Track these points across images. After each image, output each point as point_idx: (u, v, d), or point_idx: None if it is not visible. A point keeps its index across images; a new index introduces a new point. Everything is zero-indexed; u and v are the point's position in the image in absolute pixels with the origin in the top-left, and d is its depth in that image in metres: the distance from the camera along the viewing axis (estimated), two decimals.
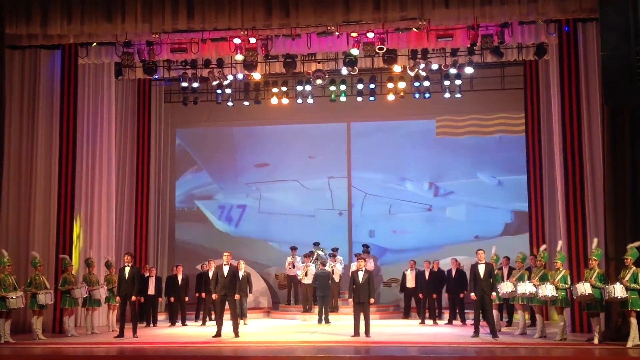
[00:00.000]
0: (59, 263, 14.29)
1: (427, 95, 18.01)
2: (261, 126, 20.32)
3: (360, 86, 18.20)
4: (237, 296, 13.38)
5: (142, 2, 13.73)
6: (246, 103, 18.90)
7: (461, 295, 15.64)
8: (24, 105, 15.06)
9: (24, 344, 12.61)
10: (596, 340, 11.83)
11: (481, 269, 12.69)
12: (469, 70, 16.14)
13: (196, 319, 16.54)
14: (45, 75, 15.23)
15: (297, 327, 15.51)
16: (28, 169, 14.96)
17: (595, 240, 12.46)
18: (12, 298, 12.58)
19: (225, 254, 13.43)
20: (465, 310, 15.68)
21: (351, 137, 20.25)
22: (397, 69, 16.14)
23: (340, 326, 15.08)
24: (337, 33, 14.36)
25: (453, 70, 16.48)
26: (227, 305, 13.30)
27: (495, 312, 13.49)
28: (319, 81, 16.42)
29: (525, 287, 12.70)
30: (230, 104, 18.89)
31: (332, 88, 18.24)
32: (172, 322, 16.22)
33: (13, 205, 14.74)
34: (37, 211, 14.89)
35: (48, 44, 14.83)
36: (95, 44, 15.30)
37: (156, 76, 16.66)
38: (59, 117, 15.07)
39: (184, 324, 16.10)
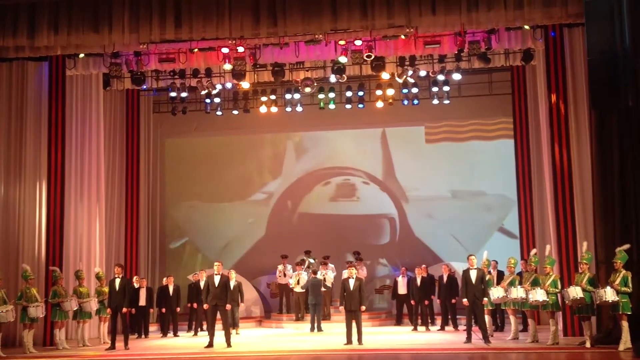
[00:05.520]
0: (49, 275, 14.21)
1: (415, 101, 18.04)
2: (250, 135, 20.32)
3: (349, 94, 18.21)
4: (228, 306, 13.33)
5: (129, 12, 13.71)
6: (235, 112, 18.90)
7: (453, 301, 15.65)
8: (11, 117, 14.98)
9: (15, 358, 12.51)
10: (588, 344, 11.86)
11: (473, 274, 12.71)
12: (456, 76, 16.22)
13: (188, 329, 16.48)
14: (33, 87, 15.18)
15: (290, 336, 15.48)
16: (16, 181, 14.87)
17: (585, 244, 12.50)
18: (1, 312, 12.46)
19: (216, 263, 13.40)
20: (458, 316, 15.70)
21: (341, 144, 20.30)
22: (385, 76, 16.20)
23: (332, 334, 15.08)
24: (324, 41, 14.41)
25: (441, 77, 16.57)
26: (219, 315, 13.25)
27: (487, 318, 13.50)
28: (307, 89, 16.44)
29: (517, 292, 12.72)
30: (219, 113, 18.89)
31: (321, 96, 18.27)
32: (164, 333, 16.17)
33: (2, 218, 14.66)
34: (26, 223, 14.81)
35: (35, 55, 14.76)
36: (82, 55, 15.25)
37: (144, 86, 16.65)
38: (47, 129, 15.00)
39: (175, 335, 16.05)
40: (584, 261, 12.15)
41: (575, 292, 11.77)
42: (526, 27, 14.22)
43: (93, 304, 14.14)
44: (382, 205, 19.93)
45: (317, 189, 20.32)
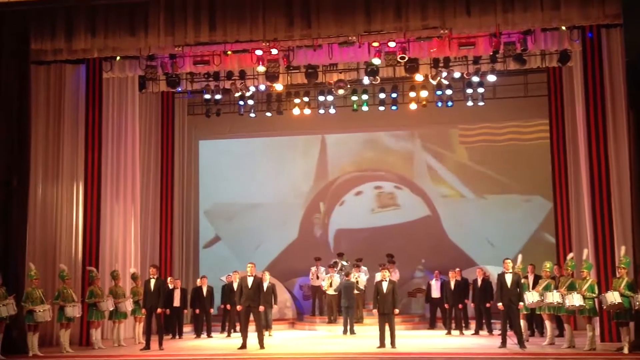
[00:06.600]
0: (86, 275, 14.40)
1: (449, 103, 17.91)
2: (283, 137, 20.38)
3: (382, 95, 18.15)
4: (261, 307, 13.37)
5: (164, 16, 13.81)
6: (268, 114, 18.96)
7: (487, 305, 15.47)
8: (49, 120, 15.22)
9: (52, 357, 12.70)
10: (626, 350, 11.63)
11: (508, 278, 12.56)
12: (491, 78, 16.07)
13: (221, 330, 16.56)
14: (70, 90, 15.41)
15: (322, 339, 15.47)
16: (54, 182, 15.12)
17: (623, 248, 12.29)
18: (39, 311, 12.67)
19: (249, 265, 13.41)
20: (492, 321, 15.52)
21: (374, 147, 20.24)
22: (419, 77, 16.09)
23: (365, 337, 15.04)
24: (358, 43, 14.38)
25: (476, 79, 16.43)
26: (252, 317, 13.28)
27: (522, 322, 13.32)
28: (340, 91, 16.44)
29: (553, 297, 12.53)
30: (252, 115, 18.94)
31: (354, 98, 18.23)
32: (198, 334, 16.27)
33: (40, 218, 14.89)
34: (64, 224, 15.06)
35: (72, 58, 14.99)
36: (119, 58, 15.43)
37: (179, 89, 16.77)
38: (84, 132, 15.24)
39: (209, 336, 16.14)
40: (622, 265, 11.93)
41: (613, 297, 11.56)
42: (563, 27, 14.02)
43: (128, 304, 14.30)
44: (415, 209, 19.81)
45: (350, 195, 20.24)
